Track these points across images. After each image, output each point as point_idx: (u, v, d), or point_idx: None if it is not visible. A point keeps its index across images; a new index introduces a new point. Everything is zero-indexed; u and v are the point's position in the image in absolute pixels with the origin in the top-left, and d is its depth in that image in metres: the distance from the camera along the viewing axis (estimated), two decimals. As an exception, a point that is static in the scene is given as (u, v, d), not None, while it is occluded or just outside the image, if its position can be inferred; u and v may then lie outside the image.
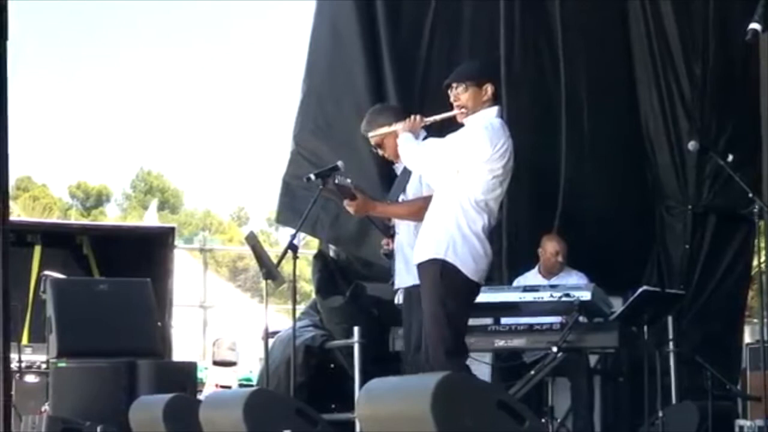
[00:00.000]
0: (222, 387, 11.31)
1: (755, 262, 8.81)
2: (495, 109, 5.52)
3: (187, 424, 5.58)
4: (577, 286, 7.04)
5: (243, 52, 64.84)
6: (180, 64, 63.00)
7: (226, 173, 65.67)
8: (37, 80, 55.61)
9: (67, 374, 7.37)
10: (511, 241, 8.37)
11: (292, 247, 6.54)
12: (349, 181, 5.97)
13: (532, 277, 7.78)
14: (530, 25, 8.83)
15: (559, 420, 7.42)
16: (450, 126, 5.62)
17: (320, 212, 8.16)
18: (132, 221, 32.08)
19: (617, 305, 7.28)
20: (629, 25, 8.98)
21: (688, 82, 8.70)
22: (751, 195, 6.81)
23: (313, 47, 8.72)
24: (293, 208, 8.28)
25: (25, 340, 9.78)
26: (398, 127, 5.73)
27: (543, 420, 7.12)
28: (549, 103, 8.84)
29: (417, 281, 5.57)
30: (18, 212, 29.93)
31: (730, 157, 7.29)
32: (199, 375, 9.88)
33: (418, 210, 5.70)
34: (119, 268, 9.77)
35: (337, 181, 5.90)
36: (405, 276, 5.87)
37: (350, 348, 7.66)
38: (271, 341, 7.68)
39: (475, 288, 5.43)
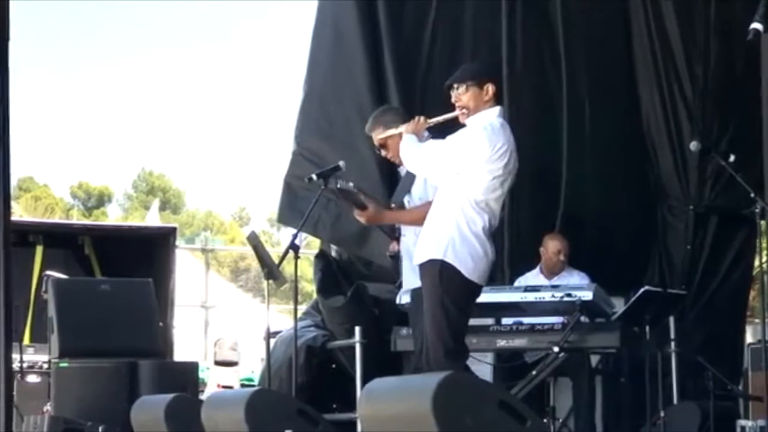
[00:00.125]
0: (224, 387, 11.31)
1: (757, 262, 8.81)
2: (496, 110, 5.51)
3: (188, 424, 5.59)
4: (579, 286, 7.04)
5: (244, 52, 64.91)
6: (181, 64, 63.06)
7: (227, 173, 65.74)
8: (38, 80, 55.68)
9: (69, 374, 7.37)
10: (513, 241, 8.37)
11: (294, 247, 6.55)
12: (351, 185, 5.96)
13: (534, 277, 7.78)
14: (531, 25, 8.83)
15: (560, 420, 7.41)
16: (453, 127, 5.62)
17: (322, 212, 8.16)
18: (134, 221, 32.08)
19: (619, 305, 7.28)
20: (630, 26, 8.98)
21: (689, 82, 8.70)
22: (752, 195, 6.81)
23: (314, 47, 8.72)
24: (295, 208, 8.28)
25: (26, 340, 9.79)
26: (402, 128, 5.72)
27: (544, 420, 7.12)
28: (550, 103, 8.84)
29: None
30: (20, 212, 29.93)
31: (732, 158, 7.29)
32: (201, 375, 9.90)
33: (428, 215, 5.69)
34: (121, 268, 9.78)
35: (339, 186, 5.89)
36: (412, 277, 5.87)
37: (352, 348, 7.65)
38: (272, 341, 7.68)
39: (475, 288, 5.42)
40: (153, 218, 23.27)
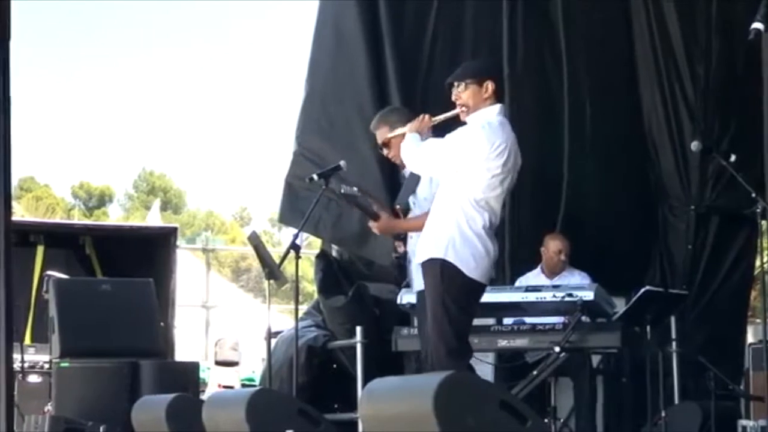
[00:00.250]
0: (224, 387, 11.31)
1: (758, 262, 8.81)
2: (496, 107, 5.50)
3: (189, 424, 5.58)
4: (580, 286, 7.04)
5: (244, 51, 64.92)
6: (182, 64, 63.06)
7: (228, 173, 65.74)
8: (39, 80, 55.68)
9: (70, 374, 7.37)
10: (514, 241, 8.36)
11: (295, 247, 6.55)
12: (355, 189, 5.95)
13: (535, 276, 7.78)
14: (532, 26, 8.82)
15: (561, 420, 7.41)
16: (455, 125, 5.62)
17: (323, 212, 8.16)
18: (134, 221, 32.10)
19: (620, 305, 7.28)
20: (632, 25, 8.98)
21: (690, 82, 8.69)
22: (754, 195, 6.81)
23: (315, 47, 8.72)
24: (296, 208, 8.28)
25: (27, 340, 9.79)
26: (407, 128, 5.72)
27: (545, 420, 7.11)
28: (551, 103, 8.83)
29: None
30: (21, 212, 29.95)
31: (733, 158, 7.29)
32: (202, 375, 9.90)
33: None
34: (122, 268, 9.78)
35: (343, 191, 5.89)
36: (420, 279, 5.86)
37: (353, 348, 7.65)
38: (273, 341, 7.68)
39: (477, 287, 5.40)
40: (154, 218, 23.27)
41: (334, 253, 8.80)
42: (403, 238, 6.16)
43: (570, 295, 6.78)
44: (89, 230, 11.81)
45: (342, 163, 6.70)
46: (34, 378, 9.16)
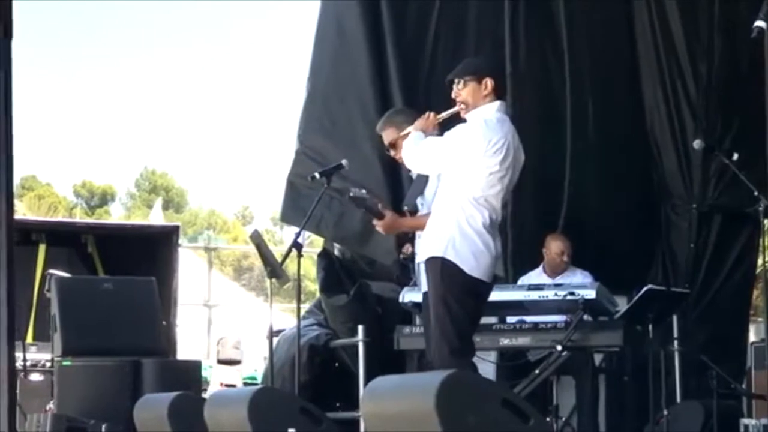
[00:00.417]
0: (227, 386, 11.31)
1: (760, 261, 8.80)
2: (496, 104, 5.47)
3: (191, 422, 5.59)
4: (582, 285, 7.04)
5: (245, 50, 64.94)
6: (184, 63, 63.08)
7: (230, 172, 65.74)
8: (41, 80, 55.71)
9: (72, 373, 7.38)
10: (516, 240, 8.36)
11: (297, 246, 6.55)
12: (364, 191, 5.94)
13: (537, 276, 7.77)
14: (535, 24, 8.82)
15: (563, 419, 7.42)
16: (460, 122, 5.61)
17: (325, 211, 8.17)
18: (137, 220, 32.08)
19: (622, 304, 7.27)
20: (634, 24, 8.97)
21: (693, 80, 8.69)
22: (756, 193, 6.81)
23: (317, 47, 8.73)
24: (298, 206, 8.29)
25: (29, 339, 9.78)
26: (412, 127, 5.70)
27: (547, 419, 7.12)
28: (554, 102, 8.83)
29: None
30: (23, 211, 29.97)
31: (735, 156, 7.29)
32: (204, 374, 9.90)
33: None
34: (124, 266, 9.78)
35: (352, 194, 5.87)
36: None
37: (355, 347, 7.65)
38: (275, 340, 7.68)
39: (479, 285, 5.35)
40: (156, 217, 23.28)
41: (336, 252, 8.81)
42: (411, 239, 6.14)
43: (572, 293, 6.78)
44: (91, 229, 11.82)
45: (344, 161, 6.70)
46: (36, 376, 9.16)
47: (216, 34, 64.64)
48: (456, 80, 5.55)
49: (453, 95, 5.56)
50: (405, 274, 7.67)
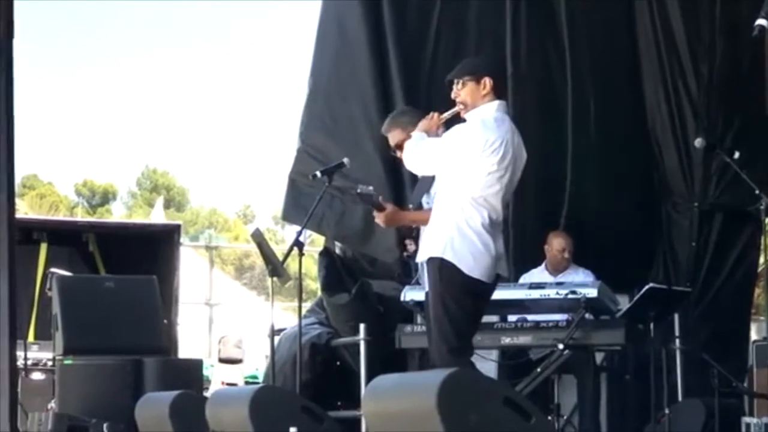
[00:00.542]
0: (228, 384, 11.32)
1: (762, 260, 8.80)
2: (495, 104, 5.45)
3: (193, 421, 5.59)
4: (584, 284, 7.03)
5: (247, 49, 64.93)
6: (186, 62, 63.09)
7: (231, 171, 65.72)
8: (42, 79, 55.72)
9: (73, 371, 7.38)
10: (517, 240, 8.35)
11: (298, 245, 6.54)
12: (371, 188, 5.94)
13: (539, 274, 7.77)
14: (536, 24, 8.82)
15: (565, 417, 7.41)
16: (459, 123, 5.61)
17: (326, 209, 8.17)
18: (138, 219, 32.09)
19: (623, 303, 7.27)
20: (635, 23, 8.96)
21: (694, 79, 8.68)
22: (757, 192, 6.80)
23: (319, 46, 8.73)
24: (299, 205, 8.29)
25: (31, 338, 9.81)
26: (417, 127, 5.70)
27: (549, 417, 7.11)
28: (555, 101, 8.83)
29: None
30: (24, 210, 30.00)
31: (737, 154, 7.28)
32: (205, 372, 9.90)
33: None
34: (125, 265, 9.79)
35: (360, 191, 5.87)
36: None
37: (356, 345, 7.65)
38: (277, 339, 7.67)
39: (479, 285, 5.32)
40: (157, 216, 23.29)
41: (337, 251, 8.81)
42: (415, 237, 6.14)
43: (573, 292, 6.77)
44: (92, 228, 11.84)
45: (345, 160, 6.70)
46: (37, 375, 9.18)
47: (216, 34, 64.68)
48: (455, 80, 5.55)
49: (452, 96, 5.56)
50: (406, 272, 7.67)
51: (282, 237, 36.18)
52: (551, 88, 8.86)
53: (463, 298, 5.32)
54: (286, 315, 14.41)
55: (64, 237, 10.79)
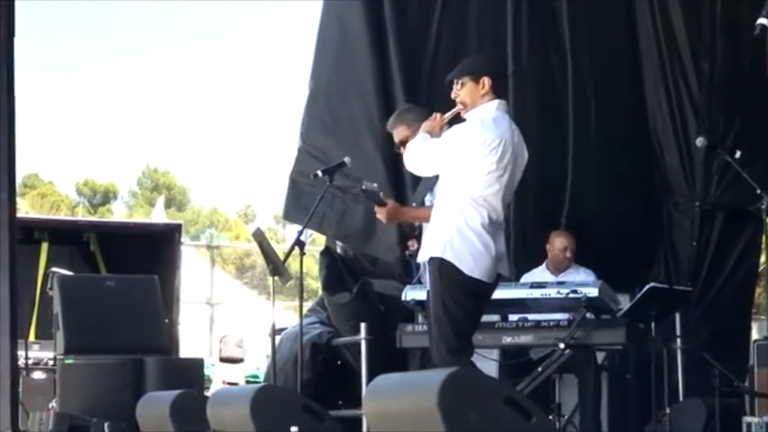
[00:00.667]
0: (229, 384, 11.32)
1: (763, 259, 8.80)
2: (494, 103, 5.44)
3: (194, 420, 5.59)
4: (585, 283, 7.03)
5: (248, 48, 64.95)
6: (187, 61, 63.10)
7: (232, 170, 65.74)
8: (43, 78, 55.73)
9: (75, 371, 7.38)
10: (518, 239, 8.36)
11: (299, 244, 6.54)
12: (375, 185, 5.94)
13: (540, 273, 7.77)
14: (537, 24, 8.81)
15: (566, 417, 7.41)
16: (460, 123, 5.62)
17: (327, 209, 8.17)
18: (139, 218, 32.10)
19: (624, 302, 7.27)
20: (636, 23, 8.96)
21: (695, 78, 8.67)
22: (759, 191, 6.79)
23: (319, 45, 8.73)
24: (300, 204, 8.29)
25: (32, 337, 9.81)
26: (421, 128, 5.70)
27: (550, 417, 7.11)
28: (556, 101, 8.82)
29: None
30: (25, 209, 30.00)
31: (738, 154, 7.27)
32: (206, 372, 9.90)
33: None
34: (126, 265, 9.79)
35: (364, 187, 5.87)
36: None
37: (357, 345, 7.65)
38: (278, 338, 7.68)
39: (479, 285, 5.32)
40: (158, 215, 23.30)
41: (338, 250, 8.82)
42: (417, 236, 6.14)
43: (574, 291, 6.77)
44: (94, 227, 11.84)
45: (347, 159, 6.70)
46: (38, 375, 9.18)
47: (217, 33, 64.69)
48: (454, 81, 5.55)
49: (452, 96, 5.56)
50: (407, 271, 7.67)
51: (283, 236, 36.18)
52: (552, 87, 8.86)
53: (463, 298, 5.32)
54: (287, 314, 14.40)
55: (65, 236, 10.79)
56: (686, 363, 7.77)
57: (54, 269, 8.58)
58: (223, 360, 12.14)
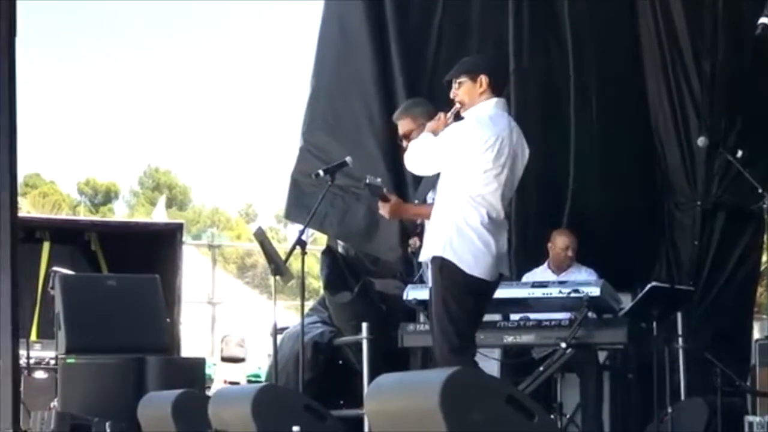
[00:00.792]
0: (230, 383, 11.32)
1: (764, 258, 8.80)
2: (492, 102, 5.45)
3: (195, 420, 5.59)
4: (586, 282, 7.02)
5: (249, 48, 64.94)
6: (188, 61, 63.08)
7: (234, 170, 65.69)
8: (44, 78, 55.73)
9: (76, 370, 7.38)
10: (520, 238, 8.36)
11: (301, 243, 6.55)
12: (379, 180, 5.95)
13: (542, 272, 7.77)
14: (539, 22, 8.82)
15: (567, 416, 7.41)
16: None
17: (328, 208, 8.17)
18: (140, 218, 32.09)
19: (626, 301, 7.27)
20: (638, 21, 8.96)
21: (697, 77, 8.67)
22: (760, 190, 6.79)
23: (321, 44, 8.73)
24: (301, 204, 8.29)
25: (33, 337, 9.80)
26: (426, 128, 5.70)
27: (552, 416, 7.11)
28: (558, 99, 8.82)
29: None
30: (27, 209, 30.01)
31: (740, 153, 7.27)
32: (208, 371, 9.90)
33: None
34: (127, 264, 9.78)
35: (368, 181, 5.88)
36: None
37: (359, 344, 7.66)
38: (279, 337, 7.68)
39: (481, 284, 5.32)
40: (159, 215, 23.31)
41: (340, 249, 8.82)
42: (420, 233, 6.14)
43: (576, 291, 6.77)
44: (95, 226, 11.85)
45: (348, 158, 6.70)
46: (40, 374, 9.17)
47: (218, 32, 64.61)
48: (453, 80, 5.55)
49: (451, 95, 5.57)
50: (409, 271, 7.67)
51: (284, 236, 36.14)
52: (554, 86, 8.86)
53: (465, 297, 5.32)
54: (288, 314, 14.38)
55: (67, 236, 10.79)
56: (688, 362, 7.76)
57: (55, 269, 8.57)
58: (225, 359, 12.14)
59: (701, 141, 7.94)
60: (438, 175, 5.83)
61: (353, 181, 7.66)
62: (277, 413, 4.98)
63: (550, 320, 6.98)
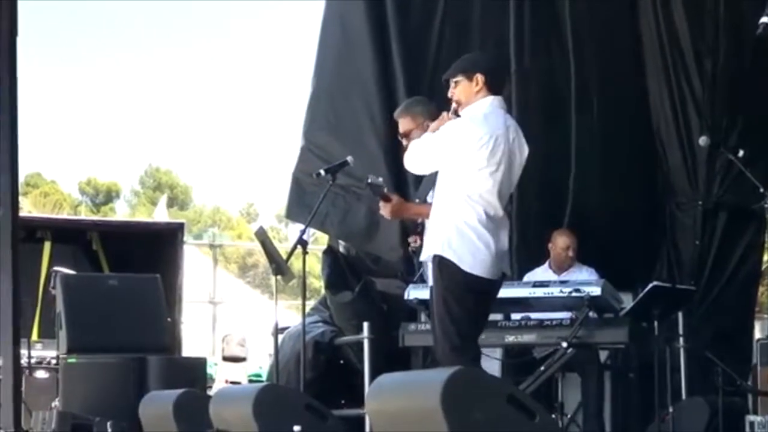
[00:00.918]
0: (231, 383, 11.32)
1: (766, 258, 8.80)
2: (488, 100, 5.42)
3: (197, 419, 5.59)
4: (587, 282, 7.02)
5: (251, 47, 64.95)
6: (189, 60, 63.10)
7: (235, 169, 65.71)
8: (46, 78, 55.75)
9: (77, 370, 7.38)
10: (520, 237, 8.35)
11: (302, 243, 6.54)
12: (381, 180, 5.95)
13: (543, 272, 7.77)
14: (540, 23, 8.82)
15: (569, 415, 7.41)
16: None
17: (330, 208, 8.17)
18: (141, 217, 32.10)
19: (627, 301, 7.27)
20: (639, 21, 8.96)
21: (698, 77, 8.68)
22: (761, 190, 6.79)
23: (322, 44, 8.74)
24: (303, 203, 8.30)
25: (35, 336, 9.80)
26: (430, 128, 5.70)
27: (553, 416, 7.11)
28: (559, 99, 8.83)
29: None
30: (28, 208, 30.01)
31: (741, 153, 7.27)
32: (209, 371, 9.90)
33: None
34: (129, 264, 9.78)
35: (370, 181, 5.87)
36: None
37: (360, 343, 7.66)
38: (280, 337, 7.68)
39: (481, 283, 5.29)
40: (161, 214, 23.31)
41: (341, 249, 8.82)
42: (420, 232, 6.13)
43: (577, 290, 6.77)
44: (96, 226, 11.84)
45: (349, 158, 6.70)
46: (41, 374, 9.16)
47: (218, 32, 64.62)
48: (450, 80, 5.55)
49: (449, 95, 5.57)
50: (410, 270, 7.67)
51: (285, 235, 36.12)
52: (555, 86, 8.86)
53: (465, 296, 5.30)
54: (289, 313, 14.38)
55: (68, 235, 10.79)
56: (689, 362, 7.77)
57: (57, 268, 8.57)
58: (226, 359, 12.14)
59: (703, 140, 7.94)
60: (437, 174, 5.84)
61: (354, 180, 7.66)
62: (279, 413, 4.98)
63: (552, 320, 6.98)
